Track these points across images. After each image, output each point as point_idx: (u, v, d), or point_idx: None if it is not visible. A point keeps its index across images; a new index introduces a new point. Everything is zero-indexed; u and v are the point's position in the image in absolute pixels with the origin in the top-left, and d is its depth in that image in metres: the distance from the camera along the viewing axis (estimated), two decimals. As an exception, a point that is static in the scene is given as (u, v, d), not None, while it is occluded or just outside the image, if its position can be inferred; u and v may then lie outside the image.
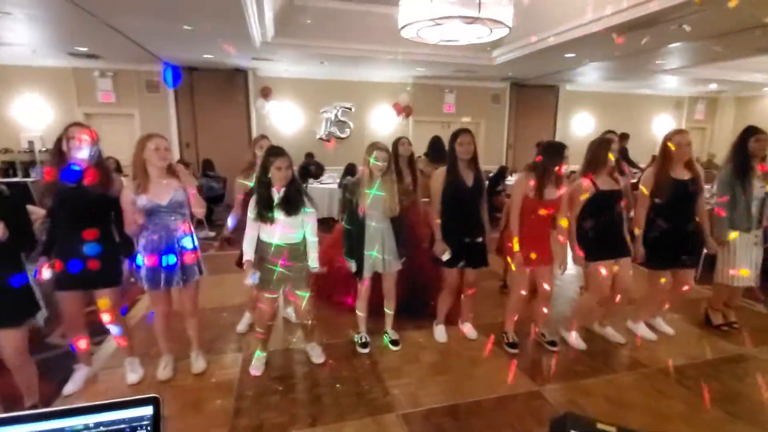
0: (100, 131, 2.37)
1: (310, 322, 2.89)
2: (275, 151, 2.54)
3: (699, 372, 2.81)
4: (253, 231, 2.60)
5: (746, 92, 11.19)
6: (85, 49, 6.91)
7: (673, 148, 2.92)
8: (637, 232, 3.03)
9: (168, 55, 7.51)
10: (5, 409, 2.26)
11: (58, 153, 2.29)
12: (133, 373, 2.67)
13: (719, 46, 6.19)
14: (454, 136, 2.92)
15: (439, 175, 2.96)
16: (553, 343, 3.10)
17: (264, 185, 2.53)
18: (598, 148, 2.92)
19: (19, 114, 7.89)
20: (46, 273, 2.29)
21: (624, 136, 3.47)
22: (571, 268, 3.12)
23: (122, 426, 0.56)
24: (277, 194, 2.54)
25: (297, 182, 2.62)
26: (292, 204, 2.54)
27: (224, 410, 2.40)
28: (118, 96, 8.30)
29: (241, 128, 8.89)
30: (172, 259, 2.49)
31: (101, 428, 0.55)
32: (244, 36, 5.76)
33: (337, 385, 2.64)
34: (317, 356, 2.91)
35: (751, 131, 3.10)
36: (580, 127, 11.14)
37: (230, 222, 3.23)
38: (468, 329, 3.29)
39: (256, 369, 2.77)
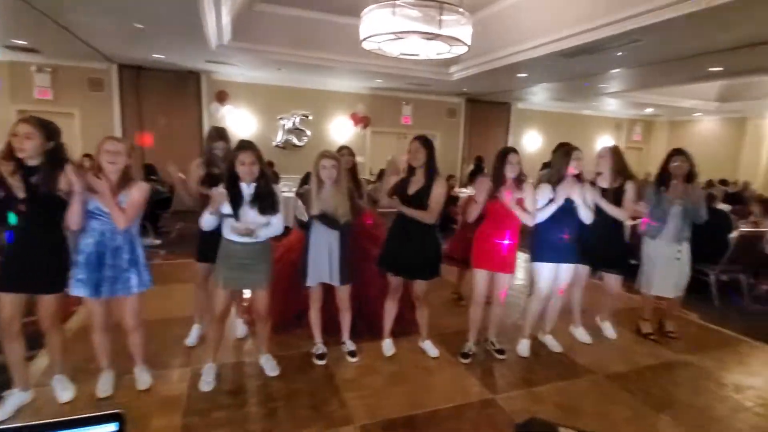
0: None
1: (264, 327, 2.81)
2: (240, 145, 2.51)
3: (640, 377, 2.99)
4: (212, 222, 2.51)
5: (678, 117, 12.27)
6: (24, 42, 6.41)
7: None
8: None
9: (115, 53, 7.12)
10: None
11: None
12: (65, 391, 2.45)
13: (656, 73, 6.77)
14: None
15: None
16: (501, 352, 3.18)
17: (231, 180, 2.48)
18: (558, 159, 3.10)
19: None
20: None
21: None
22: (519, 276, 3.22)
23: (78, 446, 0.51)
24: (246, 190, 2.49)
25: (267, 179, 2.56)
26: (265, 201, 2.50)
27: (171, 428, 2.25)
28: (56, 93, 7.75)
29: (193, 132, 8.56)
30: (107, 266, 2.32)
31: (54, 449, 0.50)
32: (199, 38, 5.59)
33: (292, 398, 2.56)
34: (271, 369, 2.82)
35: (673, 152, 3.36)
36: (530, 144, 11.70)
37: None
38: (428, 347, 3.21)
39: (206, 383, 2.62)
